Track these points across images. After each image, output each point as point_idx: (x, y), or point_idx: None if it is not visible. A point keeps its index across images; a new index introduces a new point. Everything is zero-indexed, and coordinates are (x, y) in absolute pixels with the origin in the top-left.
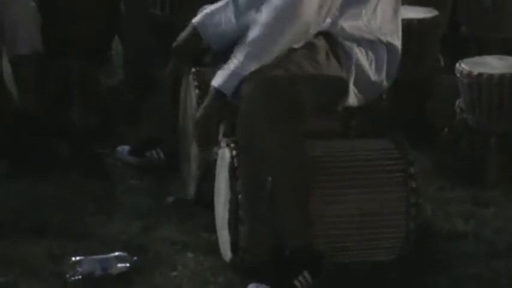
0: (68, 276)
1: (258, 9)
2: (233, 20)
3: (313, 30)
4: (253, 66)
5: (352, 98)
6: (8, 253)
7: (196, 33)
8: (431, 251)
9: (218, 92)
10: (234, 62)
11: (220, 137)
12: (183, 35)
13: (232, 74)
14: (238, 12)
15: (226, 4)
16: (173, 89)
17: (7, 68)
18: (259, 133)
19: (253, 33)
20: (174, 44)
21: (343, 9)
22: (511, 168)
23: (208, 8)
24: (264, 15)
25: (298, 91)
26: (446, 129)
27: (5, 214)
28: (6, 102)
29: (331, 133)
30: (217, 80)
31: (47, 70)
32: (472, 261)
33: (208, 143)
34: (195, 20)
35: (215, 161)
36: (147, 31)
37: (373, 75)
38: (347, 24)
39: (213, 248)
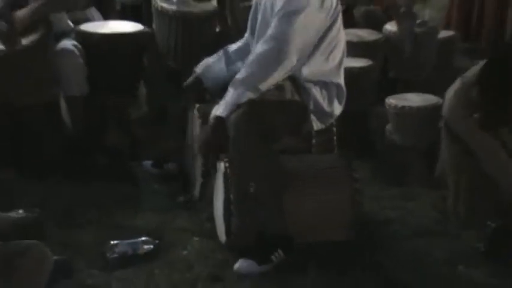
0: (108, 255)
1: (243, 61)
2: (224, 68)
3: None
4: (244, 98)
5: (311, 124)
6: (64, 239)
7: (199, 80)
8: (370, 234)
9: (219, 119)
10: (228, 95)
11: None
12: (189, 80)
13: (228, 104)
14: (228, 62)
15: (220, 57)
16: (184, 119)
17: (63, 104)
18: (244, 151)
19: (241, 73)
20: (184, 86)
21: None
22: (427, 172)
23: (207, 61)
24: (250, 58)
25: (272, 118)
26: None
27: (61, 210)
28: (61, 128)
29: (299, 150)
30: (218, 110)
31: (91, 105)
32: (400, 240)
33: (210, 159)
34: (198, 70)
35: (214, 171)
36: (164, 77)
37: (326, 107)
38: (307, 70)
39: (213, 234)
